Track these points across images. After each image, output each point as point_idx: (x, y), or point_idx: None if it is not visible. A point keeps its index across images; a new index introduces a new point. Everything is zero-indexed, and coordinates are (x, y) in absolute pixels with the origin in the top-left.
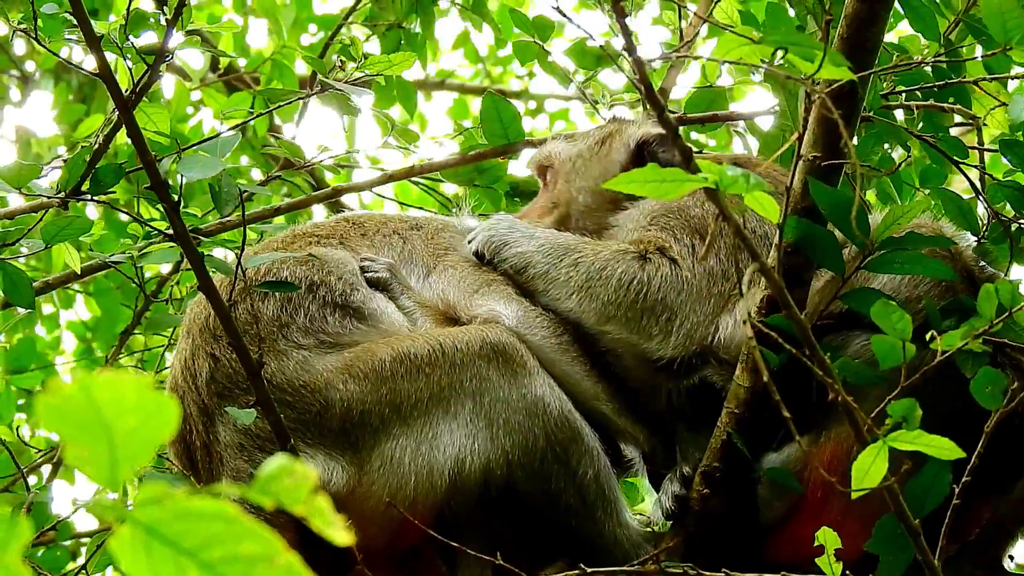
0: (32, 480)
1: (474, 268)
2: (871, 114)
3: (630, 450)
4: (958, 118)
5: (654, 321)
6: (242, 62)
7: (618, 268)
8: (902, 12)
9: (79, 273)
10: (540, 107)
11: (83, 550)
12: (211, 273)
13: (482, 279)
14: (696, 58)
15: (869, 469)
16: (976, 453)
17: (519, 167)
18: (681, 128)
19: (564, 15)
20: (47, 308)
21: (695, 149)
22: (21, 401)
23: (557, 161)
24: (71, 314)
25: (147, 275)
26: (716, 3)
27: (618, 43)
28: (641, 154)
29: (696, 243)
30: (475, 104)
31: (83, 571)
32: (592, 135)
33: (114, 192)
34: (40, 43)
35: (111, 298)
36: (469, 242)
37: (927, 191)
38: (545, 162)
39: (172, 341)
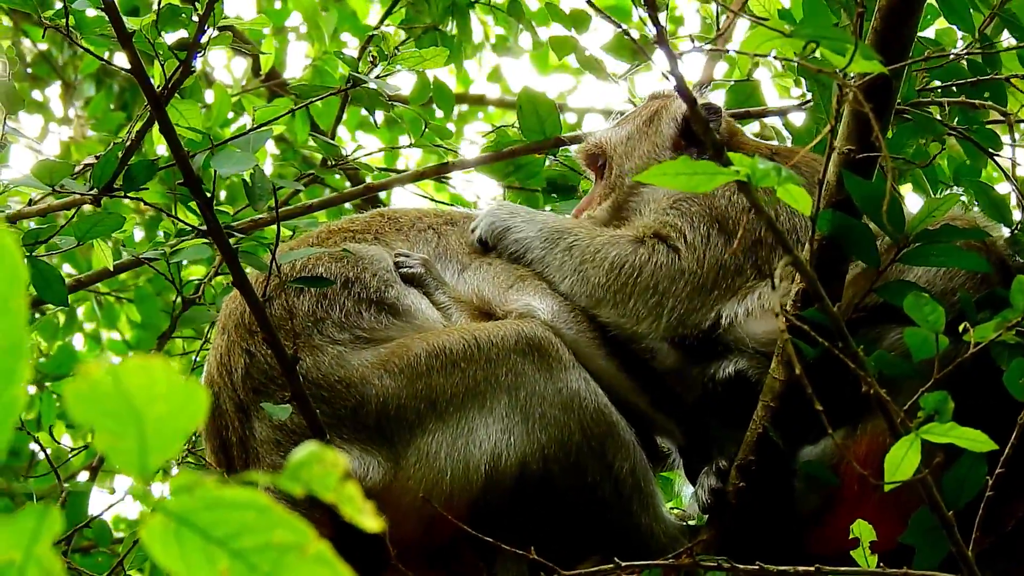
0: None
1: (509, 263)
2: (905, 107)
3: (667, 444)
4: (993, 114)
5: (643, 304)
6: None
7: (612, 252)
8: (936, 7)
9: (111, 270)
10: (579, 122)
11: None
12: (245, 269)
13: (516, 274)
14: (725, 52)
15: (902, 462)
16: (1010, 445)
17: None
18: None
19: (597, 8)
20: (88, 325)
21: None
22: (59, 406)
23: (608, 146)
24: (114, 334)
25: (185, 280)
26: None
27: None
28: (688, 126)
29: (713, 232)
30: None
31: (120, 567)
32: (639, 115)
33: (147, 189)
34: (70, 37)
35: (151, 305)
36: (473, 231)
37: (959, 188)
38: (595, 150)
39: (207, 341)
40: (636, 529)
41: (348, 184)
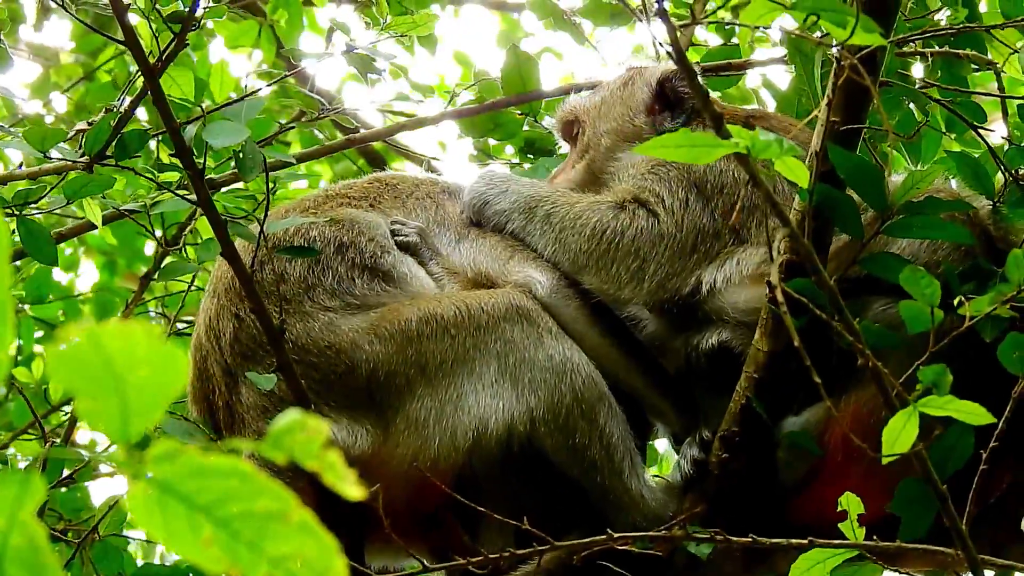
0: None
1: (504, 235)
2: (888, 80)
3: (657, 425)
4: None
5: (624, 269)
6: None
7: (592, 218)
8: None
9: (98, 227)
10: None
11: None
12: (233, 237)
13: (515, 245)
14: (725, 23)
15: (900, 434)
16: (1004, 418)
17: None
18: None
19: None
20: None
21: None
22: (40, 333)
23: (582, 111)
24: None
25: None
26: None
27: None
28: (663, 91)
29: (691, 197)
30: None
31: (95, 533)
32: (613, 82)
33: (139, 157)
34: (66, 9)
35: (129, 228)
36: (461, 211)
37: (935, 160)
38: (569, 116)
39: (191, 285)
40: (627, 491)
41: (339, 134)
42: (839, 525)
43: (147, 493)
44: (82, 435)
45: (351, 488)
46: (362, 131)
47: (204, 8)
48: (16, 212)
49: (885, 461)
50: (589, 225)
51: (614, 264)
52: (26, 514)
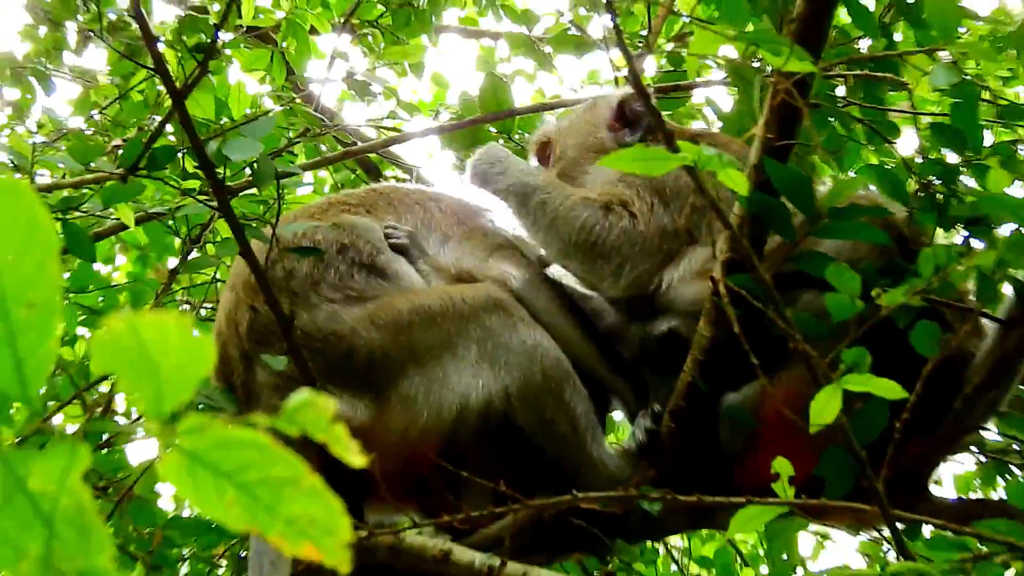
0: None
1: (484, 236)
2: (817, 101)
3: (617, 403)
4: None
5: (606, 265)
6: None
7: (584, 213)
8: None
9: (130, 227)
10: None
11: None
12: (249, 239)
13: (493, 244)
14: (675, 53)
15: (825, 407)
16: (915, 393)
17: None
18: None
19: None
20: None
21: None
22: (82, 318)
23: (553, 133)
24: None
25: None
26: None
27: (595, 32)
28: (623, 110)
29: (655, 202)
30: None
31: (131, 491)
32: (581, 106)
33: (167, 169)
34: (105, 41)
35: (158, 228)
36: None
37: (857, 170)
38: (543, 139)
39: (214, 278)
40: (590, 457)
41: (339, 147)
42: (773, 486)
43: (178, 461)
44: (120, 400)
45: (354, 457)
46: (358, 144)
47: (223, 40)
48: (61, 215)
49: (812, 431)
50: (580, 220)
51: (598, 260)
52: (74, 480)
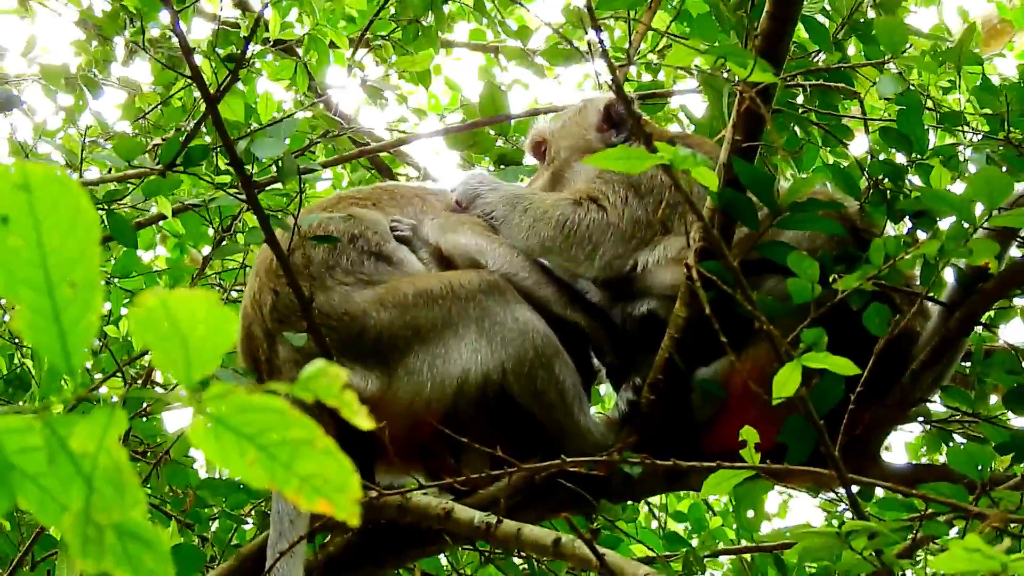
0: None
1: (479, 226)
2: (779, 108)
3: (599, 363)
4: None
5: (580, 252)
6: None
7: (556, 212)
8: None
9: (168, 217)
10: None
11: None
12: (274, 228)
13: (487, 234)
14: (656, 65)
15: (786, 381)
16: (867, 369)
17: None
18: (635, 101)
19: (551, 26)
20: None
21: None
22: (127, 300)
23: (547, 133)
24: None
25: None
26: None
27: (583, 47)
28: (609, 113)
29: (630, 195)
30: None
31: (167, 455)
32: (572, 108)
33: (202, 166)
34: (148, 53)
35: (193, 218)
36: (452, 191)
37: (814, 169)
38: (538, 138)
39: (243, 264)
40: (576, 425)
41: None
42: (740, 451)
43: (206, 425)
44: (159, 375)
45: (363, 421)
46: (371, 144)
47: (252, 52)
48: (106, 207)
49: (775, 402)
50: (554, 217)
51: (573, 247)
52: (111, 440)
